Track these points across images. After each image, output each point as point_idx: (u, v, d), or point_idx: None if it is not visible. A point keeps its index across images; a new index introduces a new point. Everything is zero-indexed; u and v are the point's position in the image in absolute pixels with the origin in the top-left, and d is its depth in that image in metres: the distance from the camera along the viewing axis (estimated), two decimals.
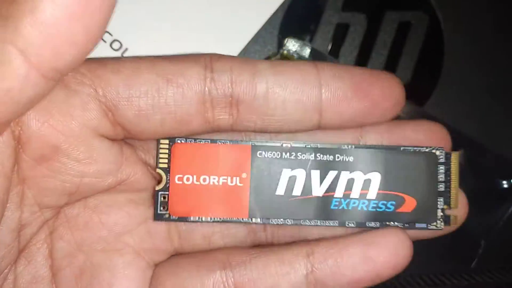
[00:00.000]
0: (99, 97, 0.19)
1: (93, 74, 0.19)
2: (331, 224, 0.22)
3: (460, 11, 0.33)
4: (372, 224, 0.22)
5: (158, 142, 0.22)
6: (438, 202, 0.22)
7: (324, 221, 0.22)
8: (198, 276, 0.21)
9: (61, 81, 0.19)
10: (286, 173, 0.22)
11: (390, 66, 0.32)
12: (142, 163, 0.22)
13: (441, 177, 0.22)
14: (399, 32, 0.32)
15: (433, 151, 0.22)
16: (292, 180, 0.22)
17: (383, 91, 0.21)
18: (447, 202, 0.22)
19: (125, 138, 0.21)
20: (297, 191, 0.22)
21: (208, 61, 0.20)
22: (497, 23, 0.33)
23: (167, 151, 0.22)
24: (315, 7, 0.32)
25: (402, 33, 0.32)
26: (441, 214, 0.22)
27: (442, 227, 0.22)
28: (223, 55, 0.21)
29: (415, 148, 0.22)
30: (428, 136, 0.22)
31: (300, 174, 0.22)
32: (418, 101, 0.32)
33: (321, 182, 0.22)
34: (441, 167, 0.22)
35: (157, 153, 0.22)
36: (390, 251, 0.21)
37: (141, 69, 0.20)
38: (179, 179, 0.22)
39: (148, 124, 0.20)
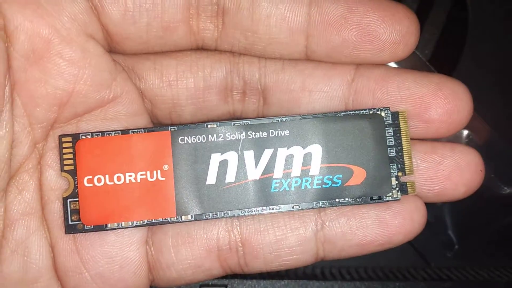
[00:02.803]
0: None
1: None
2: (275, 210, 0.20)
3: None
4: (320, 203, 0.20)
5: (59, 139, 0.19)
6: (391, 170, 0.20)
7: (265, 208, 0.20)
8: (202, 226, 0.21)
9: None
10: (216, 158, 0.20)
11: None
12: (132, 83, 0.21)
13: (391, 141, 0.20)
14: (422, 4, 0.31)
15: (378, 112, 0.20)
16: (223, 166, 0.20)
17: (383, 20, 0.19)
18: (402, 169, 0.20)
19: (111, 51, 0.20)
20: (230, 177, 0.20)
21: None
22: None
23: (71, 150, 0.19)
24: None
25: (426, 4, 0.31)
26: (396, 182, 0.20)
27: (399, 197, 0.20)
28: None
29: (357, 111, 0.20)
30: (439, 92, 0.19)
31: (232, 157, 0.20)
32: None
33: (256, 164, 0.20)
34: (389, 130, 0.20)
35: (60, 153, 0.19)
36: (405, 216, 0.20)
37: None
38: (88, 181, 0.19)
39: (133, 28, 0.19)
